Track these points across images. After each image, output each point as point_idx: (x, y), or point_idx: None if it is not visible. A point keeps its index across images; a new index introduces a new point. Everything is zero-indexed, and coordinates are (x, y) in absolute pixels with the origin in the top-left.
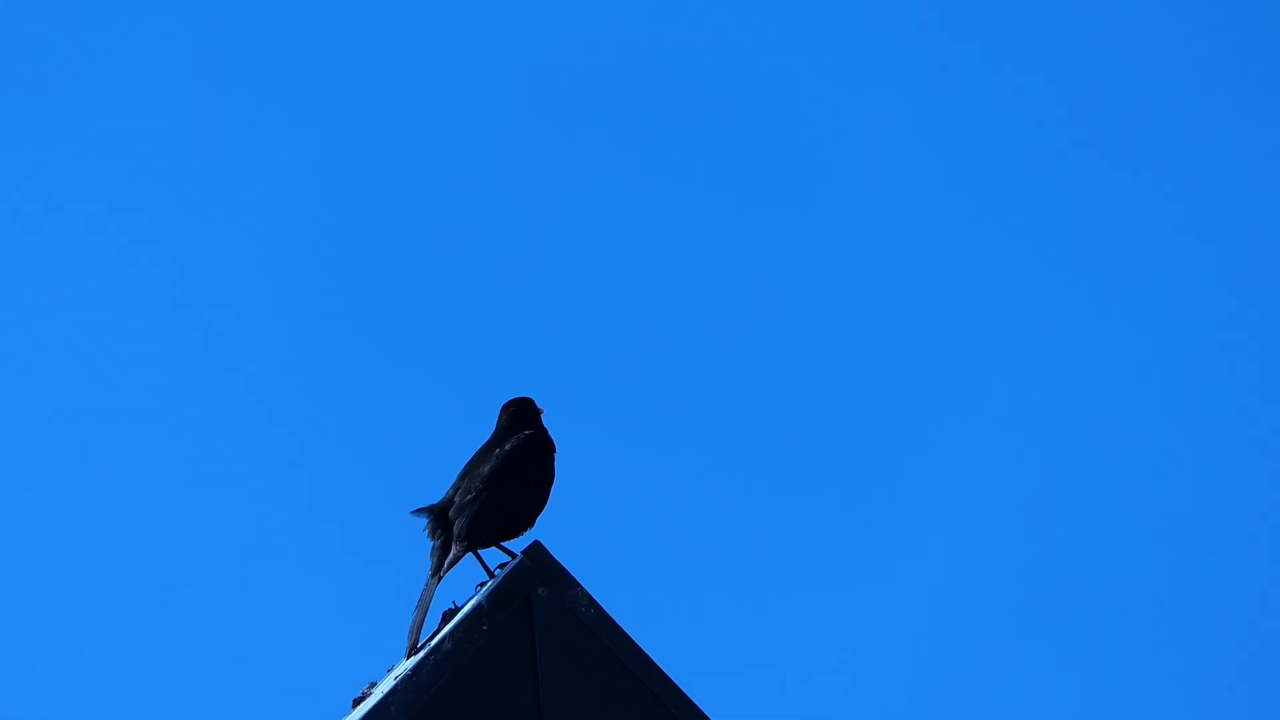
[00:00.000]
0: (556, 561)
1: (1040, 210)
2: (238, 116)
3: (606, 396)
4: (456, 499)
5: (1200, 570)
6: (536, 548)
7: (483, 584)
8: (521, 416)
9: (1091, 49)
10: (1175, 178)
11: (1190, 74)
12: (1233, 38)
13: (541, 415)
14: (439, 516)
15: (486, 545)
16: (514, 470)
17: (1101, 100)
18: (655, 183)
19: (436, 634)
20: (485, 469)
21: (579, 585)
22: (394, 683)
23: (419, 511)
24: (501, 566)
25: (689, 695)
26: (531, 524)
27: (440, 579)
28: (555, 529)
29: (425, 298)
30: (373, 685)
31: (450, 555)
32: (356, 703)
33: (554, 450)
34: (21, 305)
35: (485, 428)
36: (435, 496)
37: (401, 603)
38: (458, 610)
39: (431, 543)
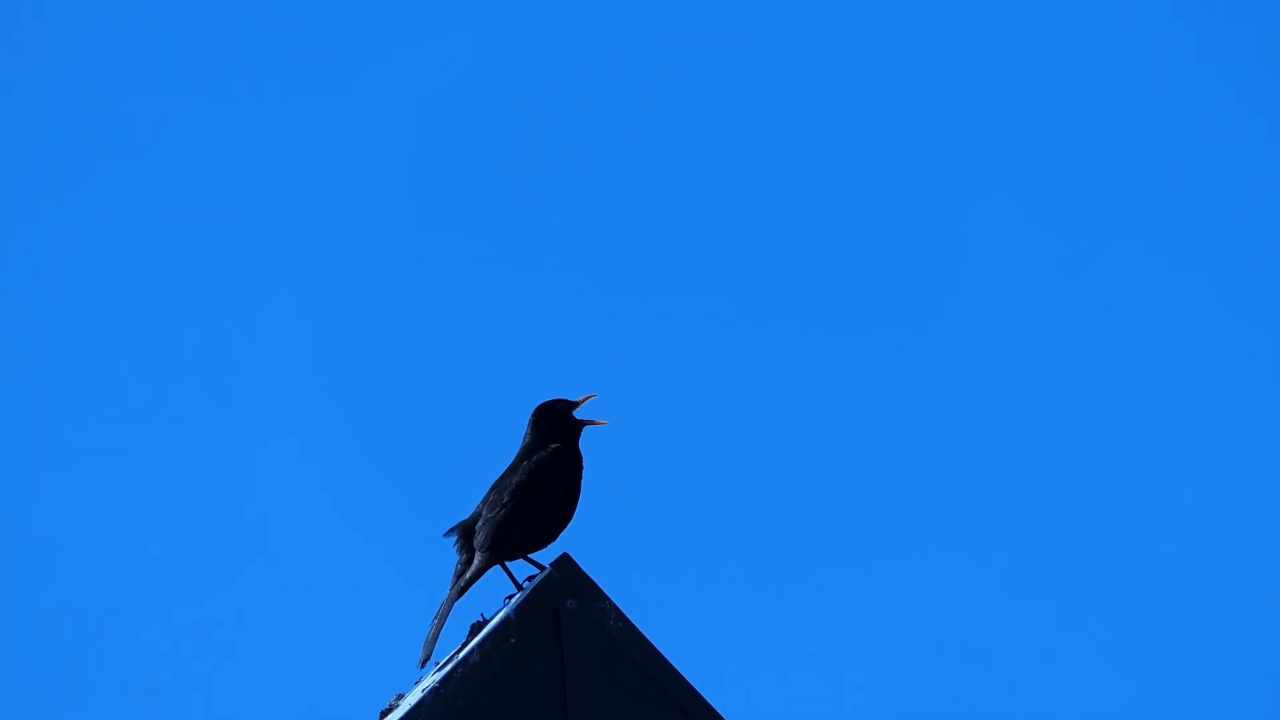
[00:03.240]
0: (585, 574)
1: (1052, 200)
2: (237, 118)
3: (634, 407)
4: (484, 513)
5: (1217, 569)
6: (565, 560)
7: (510, 596)
8: (552, 423)
9: (1090, 49)
10: (1195, 173)
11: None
12: None
13: (579, 415)
14: (467, 532)
15: (509, 556)
16: (540, 483)
17: (1102, 101)
18: (660, 184)
19: (464, 646)
20: (513, 481)
21: (607, 598)
22: (421, 695)
23: (451, 531)
24: (530, 579)
25: (718, 709)
26: (555, 537)
27: (463, 591)
28: (584, 541)
29: (461, 309)
30: (400, 697)
31: (473, 566)
32: (384, 715)
33: (581, 463)
34: (42, 309)
35: (518, 439)
36: (468, 508)
37: (431, 616)
38: (485, 623)
39: (459, 557)
